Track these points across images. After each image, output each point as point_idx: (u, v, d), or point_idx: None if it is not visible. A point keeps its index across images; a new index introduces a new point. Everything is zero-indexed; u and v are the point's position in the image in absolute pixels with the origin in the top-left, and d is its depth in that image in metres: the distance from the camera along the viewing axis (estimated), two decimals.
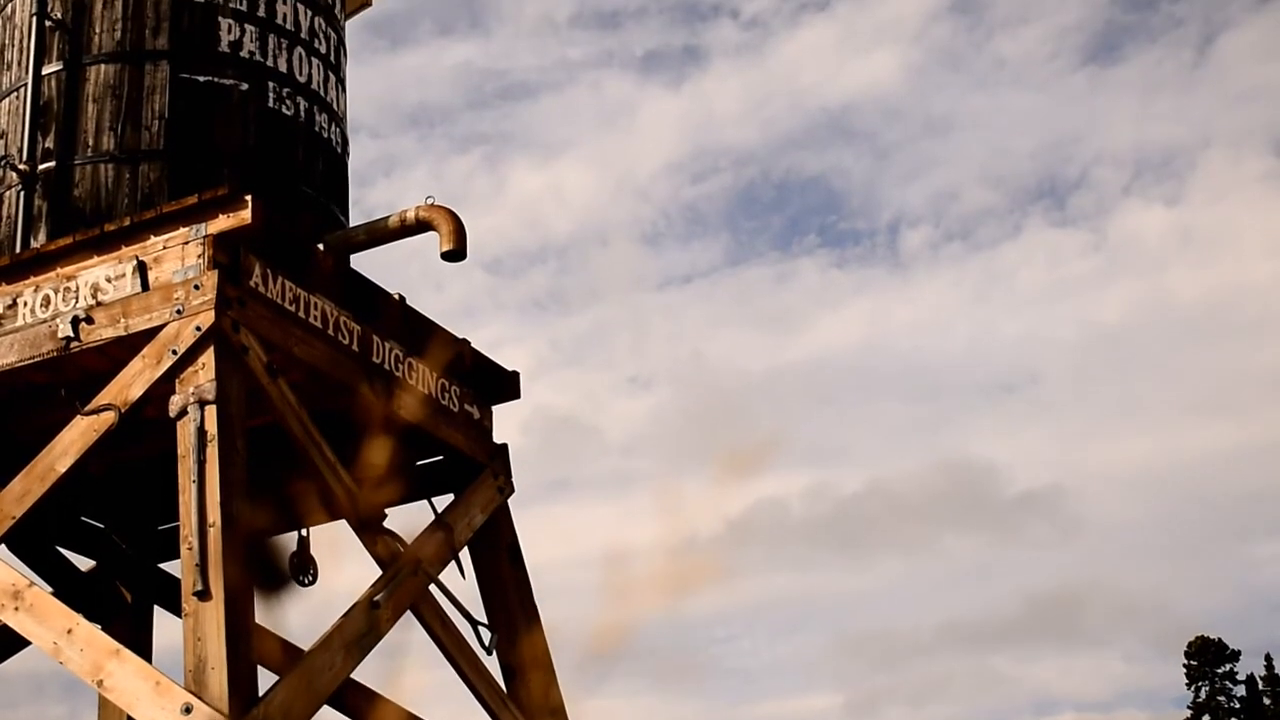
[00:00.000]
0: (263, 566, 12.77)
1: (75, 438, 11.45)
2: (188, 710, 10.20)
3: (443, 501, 13.24)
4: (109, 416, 11.35)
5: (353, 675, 12.04)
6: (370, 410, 12.43)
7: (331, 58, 13.78)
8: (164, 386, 11.24)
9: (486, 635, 13.11)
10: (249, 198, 11.45)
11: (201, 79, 12.84)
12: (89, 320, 11.65)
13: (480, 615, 13.22)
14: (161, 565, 14.50)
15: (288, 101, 13.15)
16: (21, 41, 13.15)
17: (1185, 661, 67.48)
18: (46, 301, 11.90)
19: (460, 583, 13.10)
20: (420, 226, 12.41)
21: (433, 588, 12.59)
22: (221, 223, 11.47)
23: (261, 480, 11.66)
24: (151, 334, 11.40)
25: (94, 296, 11.72)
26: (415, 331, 13.08)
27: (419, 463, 13.50)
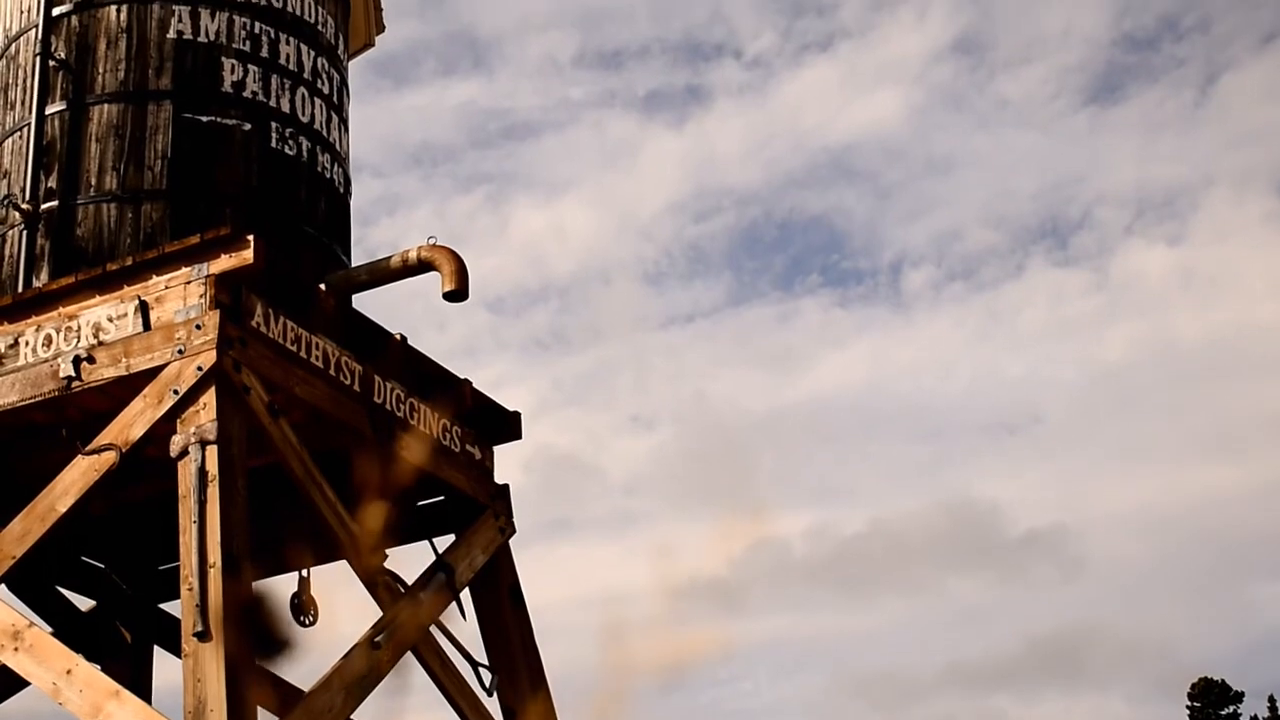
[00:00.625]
0: (262, 631, 12.68)
1: (76, 478, 11.42)
2: None
3: (444, 542, 13.21)
4: (110, 456, 11.33)
5: (353, 717, 11.99)
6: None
7: (334, 98, 13.80)
8: (165, 426, 11.22)
9: (487, 676, 13.06)
10: (251, 238, 11.45)
11: (204, 119, 12.86)
12: (90, 360, 11.64)
13: (481, 656, 13.18)
14: (162, 605, 14.45)
15: (290, 142, 13.17)
16: (25, 82, 13.18)
17: (1188, 703, 67.18)
18: (48, 341, 11.89)
19: (461, 623, 13.07)
20: (422, 267, 12.42)
21: (433, 628, 12.55)
22: (223, 263, 11.47)
23: (263, 520, 11.64)
24: (153, 374, 11.39)
25: (96, 336, 11.71)
26: (417, 372, 13.07)
27: (420, 503, 13.46)
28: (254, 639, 11.27)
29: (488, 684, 13.00)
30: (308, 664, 12.87)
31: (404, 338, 12.89)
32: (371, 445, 12.45)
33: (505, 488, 13.74)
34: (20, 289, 12.36)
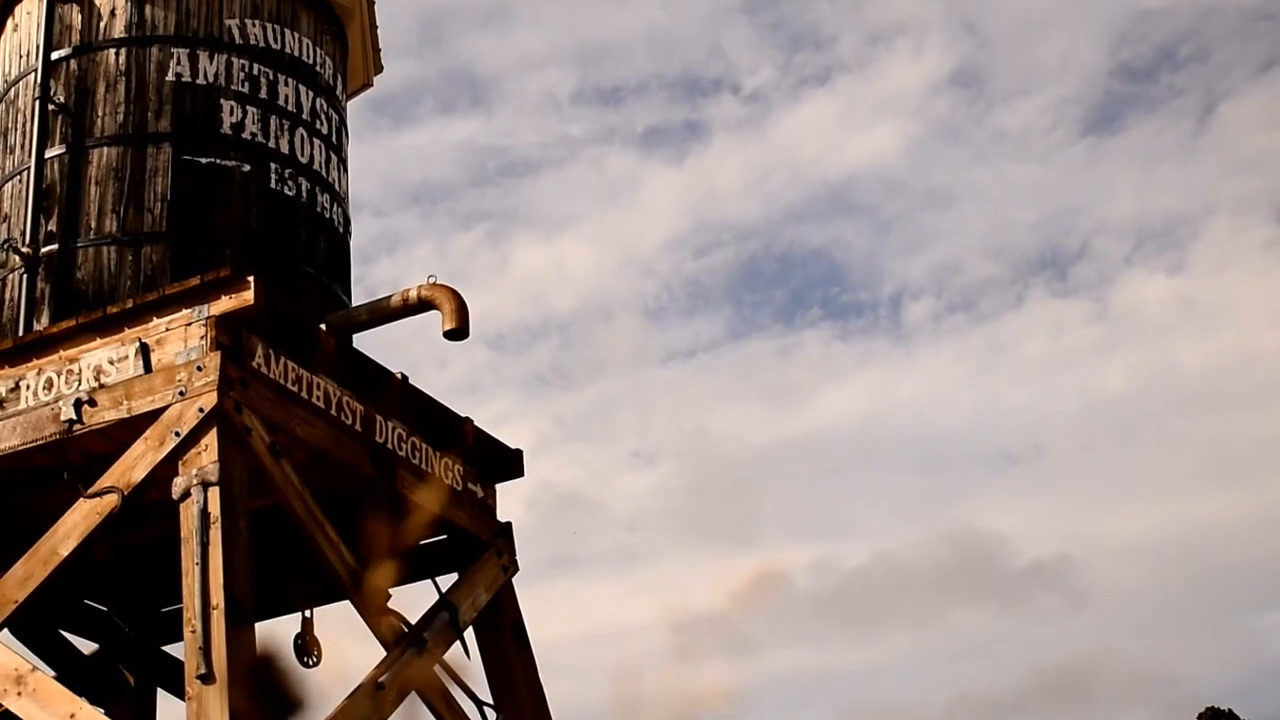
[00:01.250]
0: (273, 691, 12.64)
1: (78, 521, 11.40)
2: None
3: (447, 581, 13.18)
4: (112, 499, 11.31)
5: None
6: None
7: (333, 138, 13.82)
8: (167, 468, 11.20)
9: (492, 715, 13.02)
10: (251, 279, 11.45)
11: (204, 161, 12.88)
12: (91, 403, 11.63)
13: (485, 695, 13.14)
14: (165, 648, 14.40)
15: (290, 182, 13.18)
16: (24, 125, 13.21)
17: None
18: (49, 384, 11.88)
19: (465, 662, 13.03)
20: (422, 306, 12.40)
21: (437, 668, 12.52)
22: (224, 304, 11.48)
23: (265, 561, 11.62)
24: (154, 416, 11.38)
25: (97, 379, 11.71)
26: (418, 411, 13.06)
27: (422, 542, 13.43)
28: (265, 700, 11.23)
29: None
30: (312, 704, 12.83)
31: (405, 377, 12.89)
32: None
33: (508, 526, 13.72)
34: (21, 332, 12.36)
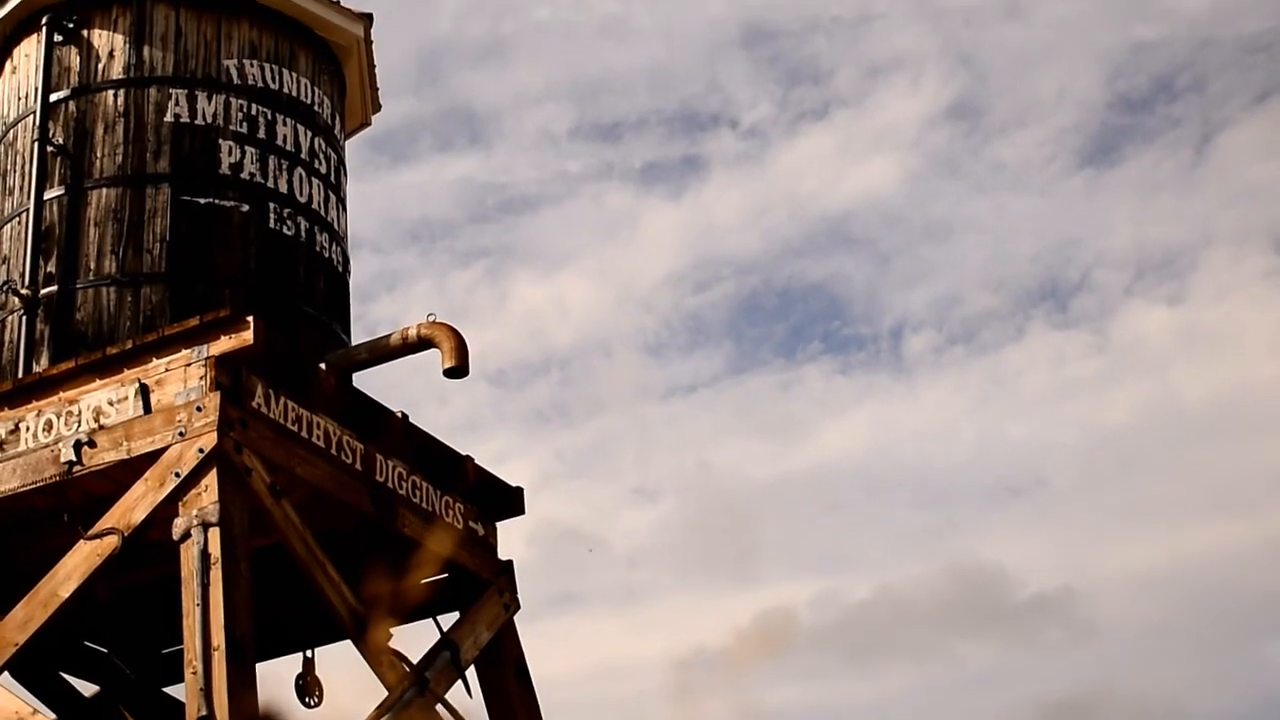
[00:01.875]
0: None
1: (78, 563, 11.37)
2: None
3: (448, 619, 13.15)
4: (112, 541, 11.28)
5: None
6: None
7: (332, 177, 13.84)
8: (167, 509, 11.18)
9: None
10: (250, 319, 11.44)
11: (202, 201, 12.89)
12: (91, 444, 11.61)
13: None
14: (166, 689, 14.36)
15: (289, 222, 13.19)
16: (23, 167, 13.22)
17: None
18: (49, 426, 11.87)
19: (467, 701, 12.98)
20: (422, 344, 12.38)
21: (440, 708, 12.47)
22: (223, 344, 11.46)
23: (266, 601, 11.58)
24: (154, 457, 11.36)
25: (96, 420, 11.69)
26: (419, 449, 13.04)
27: (423, 581, 13.40)
28: None
29: None
30: None
31: (405, 415, 12.87)
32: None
33: (509, 564, 13.69)
34: (20, 374, 12.35)
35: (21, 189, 13.18)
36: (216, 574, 10.78)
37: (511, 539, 13.88)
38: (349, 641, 12.25)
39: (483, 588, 13.38)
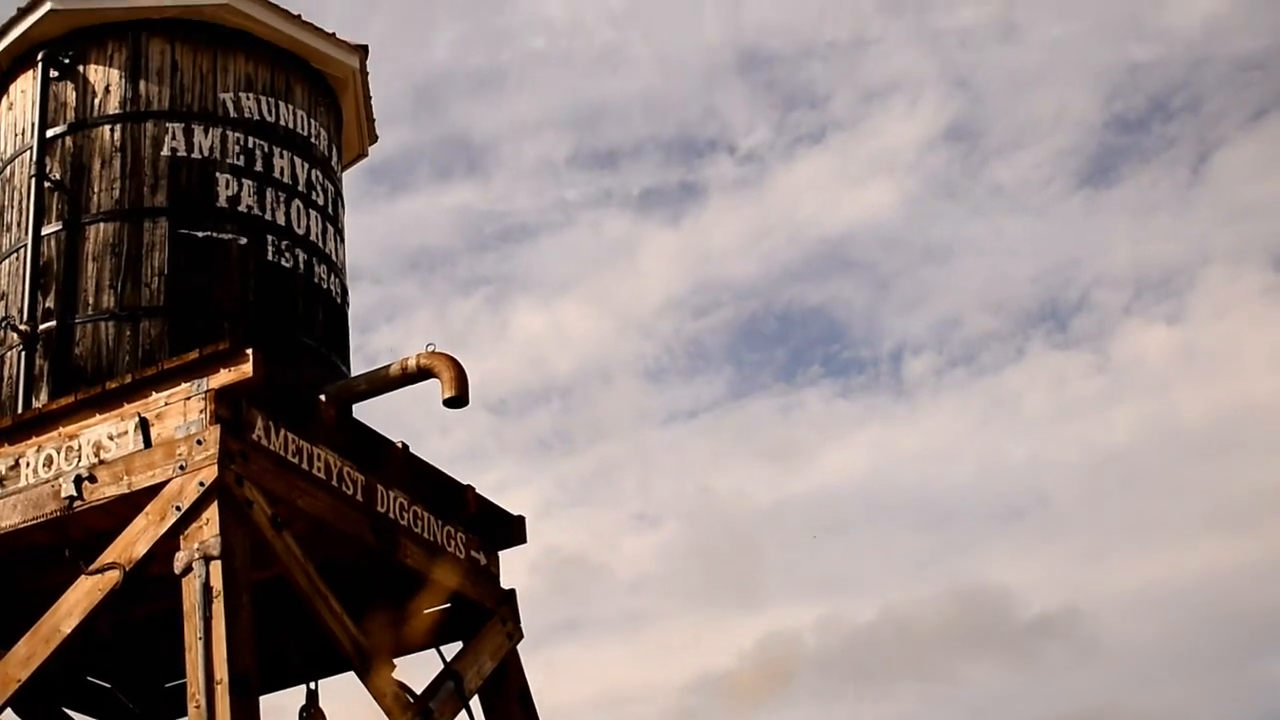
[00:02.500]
0: None
1: (80, 598, 11.35)
2: None
3: (451, 649, 13.13)
4: (114, 575, 11.26)
5: None
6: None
7: (329, 209, 13.85)
8: (168, 543, 11.16)
9: None
10: (250, 351, 11.44)
11: (200, 234, 12.89)
12: (92, 479, 11.60)
13: None
14: None
15: (286, 254, 13.19)
16: (21, 203, 13.23)
17: None
18: (49, 461, 11.86)
19: None
20: (421, 374, 12.37)
21: None
22: (223, 377, 11.45)
23: (269, 634, 11.56)
24: (155, 491, 11.35)
25: (97, 455, 11.68)
26: (420, 480, 13.03)
27: (426, 611, 13.39)
28: None
29: None
30: None
31: (406, 446, 12.86)
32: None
33: (512, 593, 13.67)
34: (20, 410, 12.34)
35: (19, 225, 13.19)
36: (219, 607, 10.76)
37: (514, 568, 13.87)
38: (352, 673, 12.22)
39: (486, 617, 13.36)
